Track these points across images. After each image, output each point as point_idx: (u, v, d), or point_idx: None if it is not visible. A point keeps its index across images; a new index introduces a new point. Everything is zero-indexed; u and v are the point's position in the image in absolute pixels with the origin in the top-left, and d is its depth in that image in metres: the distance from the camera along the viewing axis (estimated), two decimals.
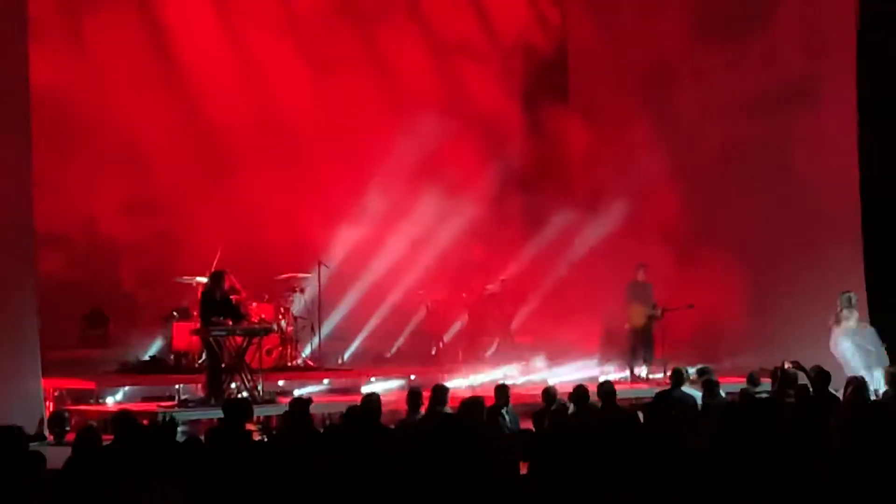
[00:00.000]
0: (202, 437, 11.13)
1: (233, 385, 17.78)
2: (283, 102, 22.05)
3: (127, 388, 18.83)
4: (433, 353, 22.54)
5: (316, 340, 21.26)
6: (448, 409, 13.74)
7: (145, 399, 18.60)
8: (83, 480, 9.48)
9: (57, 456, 10.40)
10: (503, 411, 14.01)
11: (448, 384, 19.00)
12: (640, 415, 12.37)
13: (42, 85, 18.05)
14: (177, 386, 18.66)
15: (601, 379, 19.34)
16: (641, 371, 21.01)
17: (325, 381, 19.81)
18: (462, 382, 19.88)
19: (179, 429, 16.45)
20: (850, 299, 19.22)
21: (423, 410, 13.83)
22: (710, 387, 14.32)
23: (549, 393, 14.40)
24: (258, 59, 22.24)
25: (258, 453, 10.53)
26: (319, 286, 21.27)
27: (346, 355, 21.82)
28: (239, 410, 12.04)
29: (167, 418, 13.07)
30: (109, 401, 18.38)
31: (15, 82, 16.71)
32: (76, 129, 20.95)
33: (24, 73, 16.78)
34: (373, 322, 22.26)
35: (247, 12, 22.41)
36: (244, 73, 22.17)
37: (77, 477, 9.65)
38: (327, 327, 21.64)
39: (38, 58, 17.45)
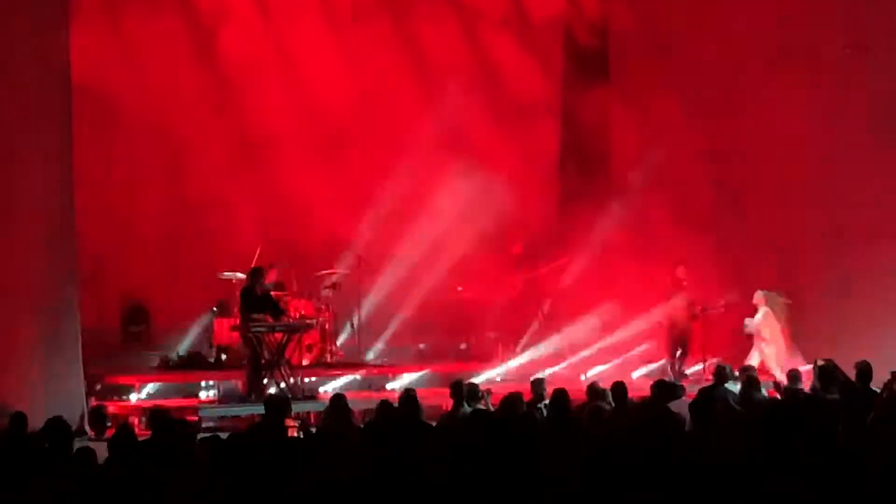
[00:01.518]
0: (243, 433, 11.16)
1: (272, 381, 17.84)
2: (322, 96, 22.03)
3: (163, 383, 18.92)
4: (463, 347, 22.47)
5: (347, 335, 21.29)
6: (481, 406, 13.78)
7: (185, 395, 18.68)
8: (121, 477, 9.52)
9: (98, 452, 10.45)
10: (540, 406, 13.94)
11: (483, 376, 19.28)
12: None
13: (84, 81, 18.09)
14: (213, 382, 18.73)
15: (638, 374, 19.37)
16: (681, 368, 20.93)
17: (353, 376, 19.73)
18: (496, 373, 20.00)
19: (206, 424, 16.66)
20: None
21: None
22: (751, 383, 14.21)
23: (593, 389, 14.25)
24: (296, 53, 22.16)
25: (297, 449, 10.52)
26: (359, 282, 21.28)
27: (375, 350, 21.77)
28: (278, 407, 12.10)
29: None
30: (144, 396, 18.45)
31: (57, 79, 16.71)
32: (117, 126, 21.02)
33: (66, 70, 16.81)
34: (404, 315, 22.18)
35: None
36: (282, 67, 22.12)
37: (115, 473, 9.69)
38: (362, 322, 21.64)
39: (78, 52, 17.47)
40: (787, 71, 21.46)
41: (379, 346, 21.84)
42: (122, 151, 21.03)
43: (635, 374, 20.19)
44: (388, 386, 19.73)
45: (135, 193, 21.12)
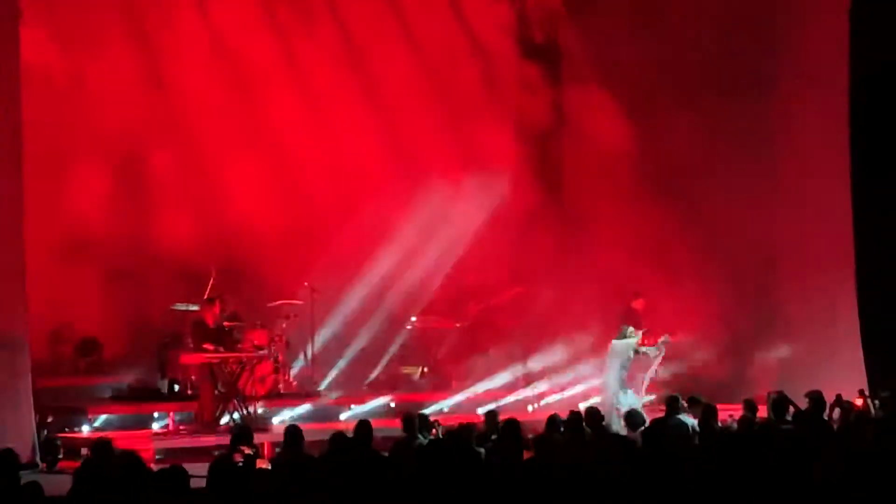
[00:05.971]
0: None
1: (225, 412, 17.75)
2: (276, 125, 21.97)
3: (118, 415, 18.76)
4: (417, 377, 22.41)
5: (300, 364, 21.20)
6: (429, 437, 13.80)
7: (137, 427, 18.52)
8: None
9: (49, 484, 10.33)
10: (493, 437, 13.91)
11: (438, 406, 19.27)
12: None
13: (32, 108, 17.92)
14: (170, 413, 18.58)
15: (583, 405, 19.39)
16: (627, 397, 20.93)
17: (306, 406, 19.71)
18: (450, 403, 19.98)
19: (158, 456, 16.48)
20: None
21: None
22: (709, 413, 14.21)
23: (552, 420, 14.22)
24: (251, 81, 22.10)
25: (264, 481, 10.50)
26: (311, 312, 21.21)
27: (326, 382, 21.67)
28: (240, 436, 12.12)
29: None
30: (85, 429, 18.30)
31: (6, 103, 16.57)
32: (68, 151, 20.83)
33: (15, 94, 16.65)
34: (357, 346, 22.13)
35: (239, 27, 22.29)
36: (236, 94, 21.99)
37: None
38: (316, 352, 21.56)
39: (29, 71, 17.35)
40: (735, 101, 21.67)
41: (332, 376, 21.75)
42: (74, 179, 20.82)
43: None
44: (342, 416, 19.65)
45: (87, 221, 20.90)
